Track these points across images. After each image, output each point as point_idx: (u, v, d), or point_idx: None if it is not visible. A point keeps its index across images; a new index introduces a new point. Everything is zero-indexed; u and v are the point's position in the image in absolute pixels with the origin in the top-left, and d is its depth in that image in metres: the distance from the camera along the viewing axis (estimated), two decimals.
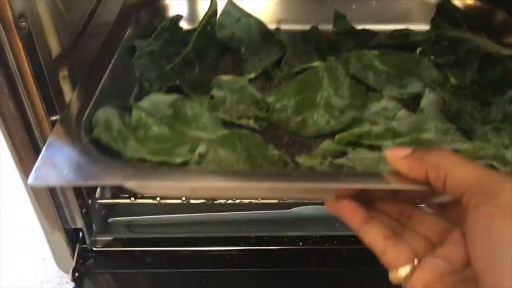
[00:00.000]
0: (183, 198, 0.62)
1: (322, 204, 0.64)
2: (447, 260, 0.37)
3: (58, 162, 0.43)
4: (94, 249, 0.66)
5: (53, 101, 0.53)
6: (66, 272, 0.66)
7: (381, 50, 0.66)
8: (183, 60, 0.66)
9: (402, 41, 0.68)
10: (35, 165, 0.42)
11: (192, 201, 0.64)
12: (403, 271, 0.38)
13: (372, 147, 0.53)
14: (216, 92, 0.60)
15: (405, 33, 0.69)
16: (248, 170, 0.48)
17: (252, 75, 0.64)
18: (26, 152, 0.53)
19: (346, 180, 0.40)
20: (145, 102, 0.58)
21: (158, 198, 0.63)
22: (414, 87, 0.61)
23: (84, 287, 0.63)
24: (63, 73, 0.55)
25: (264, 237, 0.67)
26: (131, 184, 0.43)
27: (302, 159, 0.51)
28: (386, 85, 0.62)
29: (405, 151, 0.38)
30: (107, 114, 0.52)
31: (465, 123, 0.55)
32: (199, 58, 0.67)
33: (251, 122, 0.56)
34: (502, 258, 0.31)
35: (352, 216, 0.41)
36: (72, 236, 0.64)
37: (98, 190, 0.66)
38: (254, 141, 0.54)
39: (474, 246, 0.34)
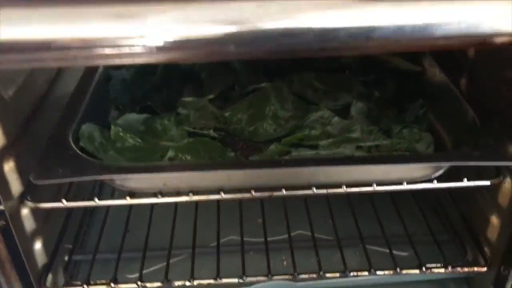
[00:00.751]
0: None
1: (282, 279, 0.65)
2: None
3: (53, 165, 0.53)
4: None
5: None
6: None
7: (317, 73, 0.80)
8: (152, 87, 0.77)
9: (335, 64, 0.82)
10: (35, 167, 0.52)
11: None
12: None
13: (311, 147, 0.65)
14: (181, 110, 0.72)
15: (337, 57, 0.83)
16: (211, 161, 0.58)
17: (212, 96, 0.76)
18: None
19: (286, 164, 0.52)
20: (120, 121, 0.69)
21: (112, 284, 0.63)
22: (345, 99, 0.74)
23: None
24: (9, 164, 0.53)
25: None
26: (115, 177, 0.53)
27: (254, 159, 0.63)
28: (322, 99, 0.75)
29: None
30: (89, 128, 0.63)
31: (385, 125, 0.68)
32: (166, 85, 0.78)
33: (211, 132, 0.67)
34: None
35: None
36: None
37: (50, 277, 0.63)
38: (214, 146, 0.65)
39: None
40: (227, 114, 0.72)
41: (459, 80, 0.69)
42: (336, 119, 0.69)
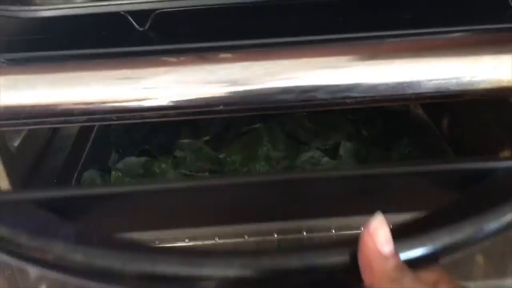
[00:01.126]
0: None
1: None
2: None
3: None
4: None
5: None
6: None
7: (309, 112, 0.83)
8: (150, 129, 0.81)
9: None
10: None
11: None
12: None
13: None
14: (178, 153, 0.76)
15: None
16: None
17: (207, 138, 0.80)
18: None
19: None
20: (120, 165, 0.72)
21: None
22: (334, 139, 0.78)
23: None
24: None
25: None
26: None
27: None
28: (313, 139, 0.78)
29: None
30: (91, 175, 0.66)
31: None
32: (163, 127, 0.82)
33: (207, 175, 0.71)
34: None
35: None
36: None
37: None
38: None
39: None
40: (221, 156, 0.75)
41: (441, 120, 0.73)
42: (325, 159, 0.73)
